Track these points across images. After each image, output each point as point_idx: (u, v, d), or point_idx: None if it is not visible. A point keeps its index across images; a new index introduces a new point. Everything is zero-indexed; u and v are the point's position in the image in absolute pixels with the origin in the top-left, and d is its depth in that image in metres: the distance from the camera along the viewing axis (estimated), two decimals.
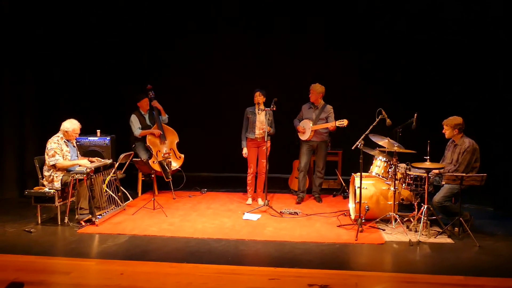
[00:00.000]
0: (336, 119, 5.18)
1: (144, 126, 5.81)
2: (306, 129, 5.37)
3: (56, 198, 4.47)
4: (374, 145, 4.69)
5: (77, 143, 5.00)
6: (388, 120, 4.44)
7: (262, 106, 5.27)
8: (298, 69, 6.27)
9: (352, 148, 4.38)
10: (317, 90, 5.30)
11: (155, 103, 5.90)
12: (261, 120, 5.29)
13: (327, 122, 5.28)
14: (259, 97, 5.24)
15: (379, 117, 4.41)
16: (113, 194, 4.95)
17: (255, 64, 6.52)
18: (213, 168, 6.99)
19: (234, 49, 6.43)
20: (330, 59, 6.18)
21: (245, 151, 5.35)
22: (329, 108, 5.36)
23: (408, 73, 6.05)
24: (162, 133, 5.86)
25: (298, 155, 5.67)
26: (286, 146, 6.15)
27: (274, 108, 5.04)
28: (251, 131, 5.31)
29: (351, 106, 5.92)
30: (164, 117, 6.05)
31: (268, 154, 5.10)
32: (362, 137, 4.32)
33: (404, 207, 4.77)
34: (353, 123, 5.14)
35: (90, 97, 6.38)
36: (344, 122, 5.00)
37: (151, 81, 5.94)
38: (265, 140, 5.07)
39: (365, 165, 4.42)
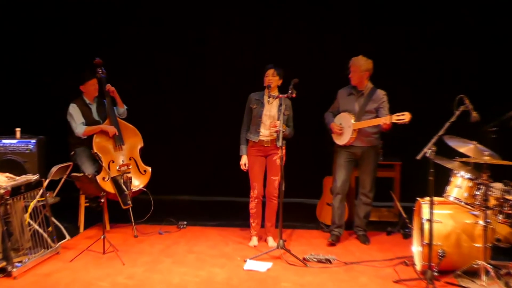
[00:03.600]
0: (393, 112, 5.18)
1: (90, 122, 5.89)
2: (345, 128, 5.44)
3: None
4: (452, 153, 4.70)
5: None
6: (474, 114, 4.46)
7: (275, 92, 5.36)
8: (327, 37, 6.59)
9: (418, 157, 4.34)
10: (360, 66, 5.37)
11: (110, 88, 5.96)
12: (272, 114, 5.39)
13: (377, 116, 5.34)
14: (272, 78, 5.33)
15: (460, 109, 4.44)
16: (40, 230, 4.98)
17: (259, 33, 6.82)
18: (197, 188, 7.17)
19: (228, 14, 6.87)
20: (379, 23, 6.52)
21: (244, 161, 5.44)
22: (381, 94, 5.42)
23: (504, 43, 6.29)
24: (118, 133, 5.91)
25: (331, 169, 5.79)
26: (312, 155, 6.27)
27: (294, 95, 5.07)
28: (256, 130, 5.39)
29: (410, 94, 6.05)
30: (122, 109, 6.11)
31: (283, 166, 5.14)
32: (433, 140, 4.34)
33: (502, 252, 4.81)
34: (417, 118, 5.17)
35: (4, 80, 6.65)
36: (405, 117, 4.99)
37: (102, 57, 6.05)
38: (279, 145, 5.12)
39: (438, 185, 4.47)
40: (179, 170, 7.01)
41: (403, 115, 5.01)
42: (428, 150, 4.32)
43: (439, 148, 4.37)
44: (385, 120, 5.14)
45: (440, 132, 4.40)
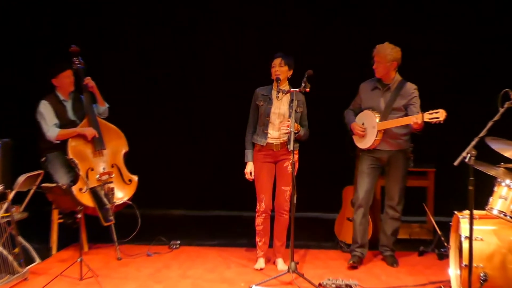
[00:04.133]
0: (425, 109, 5.18)
1: (65, 122, 5.90)
2: (368, 128, 5.48)
3: None
4: (496, 158, 4.71)
5: None
6: None
7: (285, 86, 5.39)
8: (347, 21, 6.65)
9: (455, 163, 4.28)
10: (386, 55, 5.40)
11: (88, 82, 5.98)
12: (282, 111, 5.43)
13: (406, 114, 5.37)
14: (279, 68, 5.36)
15: (505, 106, 4.38)
16: (4, 251, 4.94)
17: (265, 16, 6.90)
18: (193, 201, 7.20)
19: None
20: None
21: (250, 168, 5.45)
22: (411, 88, 5.47)
23: None
24: (98, 135, 5.93)
25: (352, 178, 5.86)
26: (329, 161, 6.29)
27: (308, 89, 5.12)
28: (263, 131, 5.43)
29: (446, 89, 6.10)
30: (103, 107, 6.13)
31: (295, 175, 5.13)
32: (473, 143, 4.30)
33: None
34: (454, 117, 5.18)
35: None
36: (440, 115, 5.00)
37: (79, 45, 6.03)
38: (290, 149, 5.12)
39: (480, 195, 4.44)
40: (172, 179, 7.02)
41: (437, 112, 5.02)
42: (468, 155, 4.28)
43: (481, 152, 4.34)
44: (416, 119, 5.14)
45: (482, 133, 4.38)
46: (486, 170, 4.57)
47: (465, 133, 4.60)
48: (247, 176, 5.47)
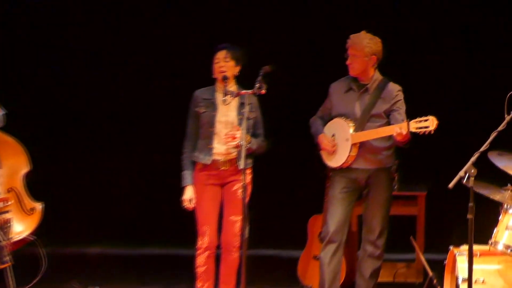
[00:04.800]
0: (411, 116, 5.18)
1: None
2: (340, 141, 5.45)
3: None
4: (502, 179, 4.77)
5: None
6: None
7: (232, 86, 5.39)
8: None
9: (450, 186, 4.29)
10: (364, 47, 5.38)
11: None
12: (231, 119, 5.46)
13: (388, 123, 5.38)
14: (225, 64, 5.38)
15: None
16: None
17: None
18: (116, 236, 7.20)
19: None
20: None
21: (190, 194, 5.46)
22: (395, 90, 5.48)
23: None
24: None
25: (321, 205, 5.88)
26: (291, 182, 6.41)
27: (264, 91, 5.07)
28: (206, 146, 5.44)
29: (439, 92, 6.22)
30: None
31: (248, 201, 5.12)
32: (473, 159, 4.30)
33: None
34: (448, 126, 5.22)
35: None
36: (429, 123, 5.00)
37: None
38: (241, 167, 5.16)
39: (480, 226, 4.50)
40: (89, 208, 7.04)
41: (426, 120, 5.02)
42: (466, 174, 4.29)
43: (482, 171, 4.36)
44: (400, 128, 5.11)
45: (484, 147, 4.40)
46: (489, 194, 4.65)
47: (464, 146, 4.76)
48: (186, 204, 5.45)
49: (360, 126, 5.40)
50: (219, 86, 5.42)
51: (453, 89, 6.63)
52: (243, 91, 5.25)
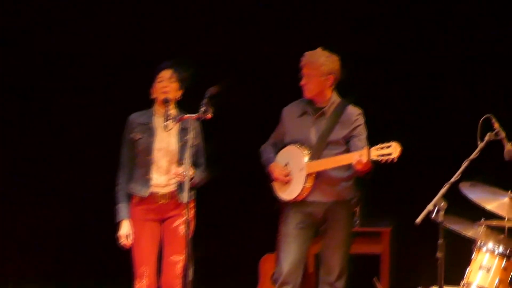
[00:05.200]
0: (373, 142, 5.24)
1: None
2: (294, 171, 5.47)
3: None
4: (475, 213, 4.85)
5: None
6: (509, 145, 4.63)
7: (172, 110, 5.41)
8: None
9: (417, 221, 4.39)
10: (320, 66, 5.41)
11: None
12: (171, 147, 5.46)
13: (348, 150, 5.40)
14: (168, 84, 5.41)
15: (486, 139, 4.58)
16: None
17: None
18: (40, 277, 7.05)
19: None
20: None
21: (127, 230, 5.45)
22: (355, 113, 5.53)
23: None
24: None
25: (273, 243, 5.83)
26: (239, 217, 6.40)
27: (210, 116, 5.11)
28: (143, 177, 5.45)
29: (407, 114, 6.30)
30: None
31: (190, 238, 5.07)
32: (443, 190, 4.42)
33: None
34: (415, 153, 5.33)
35: None
36: (392, 150, 5.03)
37: None
38: (184, 200, 5.15)
39: (451, 265, 4.52)
40: (4, 244, 6.89)
41: (388, 147, 5.05)
42: (435, 208, 4.37)
43: (453, 204, 4.45)
44: (360, 156, 5.13)
45: (454, 177, 4.48)
46: (461, 229, 4.75)
47: (432, 177, 4.84)
48: (123, 241, 5.42)
49: (316, 154, 5.41)
50: (157, 109, 5.41)
51: (420, 113, 6.71)
52: (187, 116, 5.22)
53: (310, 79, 5.44)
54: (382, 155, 5.07)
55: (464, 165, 4.49)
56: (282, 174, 5.49)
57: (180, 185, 5.29)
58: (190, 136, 5.22)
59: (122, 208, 5.44)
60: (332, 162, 5.37)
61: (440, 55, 6.96)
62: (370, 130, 5.51)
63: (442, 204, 4.38)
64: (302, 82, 5.48)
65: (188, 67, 5.48)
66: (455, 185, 4.57)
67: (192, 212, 5.32)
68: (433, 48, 7.00)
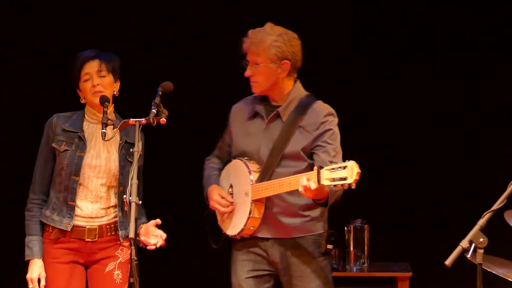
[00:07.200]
0: (347, 155, 4.51)
1: None
2: (238, 195, 4.87)
3: None
4: None
5: None
6: None
7: (110, 113, 4.82)
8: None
9: (447, 262, 3.76)
10: (267, 48, 4.69)
11: None
12: (110, 164, 4.89)
13: (311, 167, 4.61)
14: (99, 80, 4.80)
15: None
16: None
17: None
18: None
19: None
20: None
21: (38, 272, 4.80)
22: (322, 113, 4.78)
23: None
24: None
25: None
26: (176, 259, 6.33)
27: (164, 120, 4.52)
28: (63, 202, 4.81)
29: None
30: None
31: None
32: (481, 223, 3.83)
33: None
34: (438, 170, 5.18)
35: None
36: (348, 173, 4.25)
37: None
38: (123, 237, 4.78)
39: None
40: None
41: (343, 168, 4.25)
42: (471, 245, 3.79)
43: (495, 240, 3.91)
44: (308, 180, 4.31)
45: (498, 204, 3.88)
46: (506, 274, 4.58)
47: (467, 203, 5.09)
48: (33, 286, 4.79)
49: (265, 172, 4.70)
50: (90, 113, 4.81)
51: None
52: (132, 120, 4.54)
53: (256, 68, 4.70)
54: (334, 179, 4.28)
55: (510, 188, 3.88)
56: (223, 201, 4.80)
57: (123, 215, 4.73)
58: (138, 147, 4.51)
59: (34, 244, 4.80)
60: (277, 187, 4.64)
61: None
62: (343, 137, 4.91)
63: (481, 240, 3.79)
64: (247, 73, 4.76)
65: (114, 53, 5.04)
66: (499, 213, 4.04)
67: (133, 252, 4.53)
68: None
